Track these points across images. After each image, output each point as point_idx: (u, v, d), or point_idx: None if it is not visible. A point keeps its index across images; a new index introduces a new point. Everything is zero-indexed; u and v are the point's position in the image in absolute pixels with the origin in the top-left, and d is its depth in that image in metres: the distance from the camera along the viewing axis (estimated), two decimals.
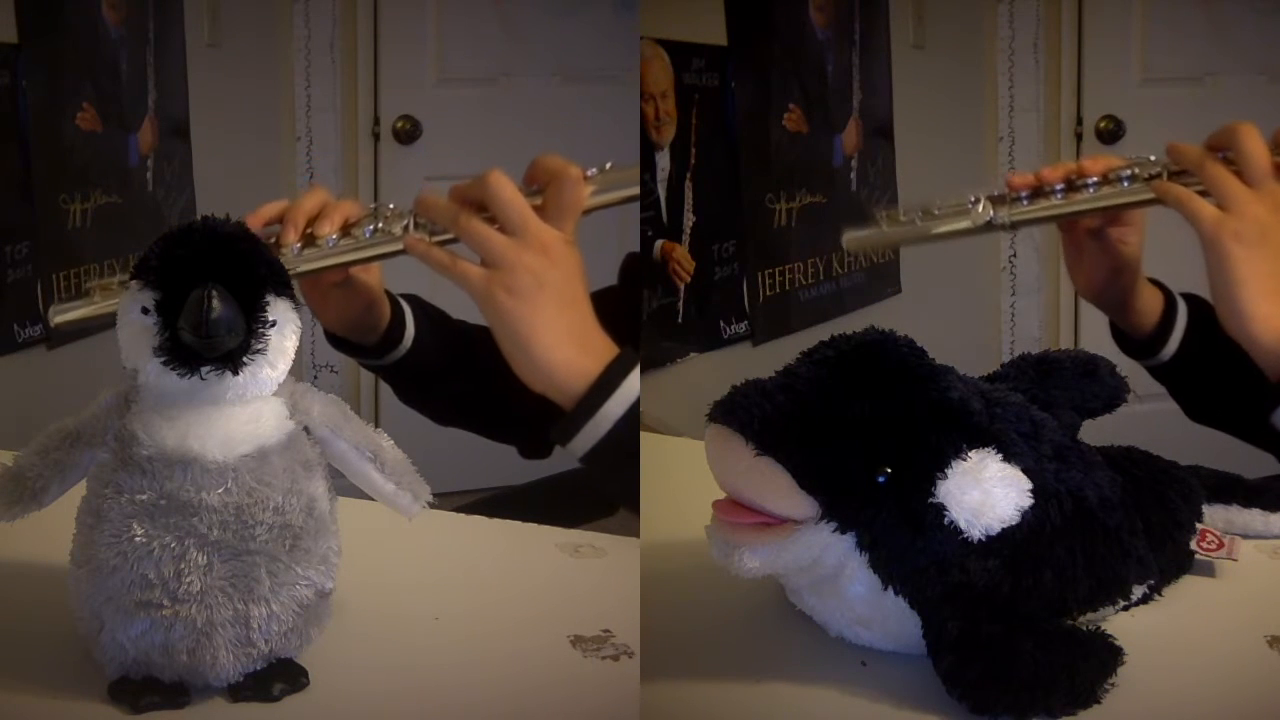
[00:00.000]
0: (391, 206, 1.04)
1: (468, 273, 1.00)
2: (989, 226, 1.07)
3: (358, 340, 1.15)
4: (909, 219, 1.09)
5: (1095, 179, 1.05)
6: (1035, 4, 2.88)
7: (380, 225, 1.02)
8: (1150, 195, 1.04)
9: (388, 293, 1.14)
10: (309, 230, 1.02)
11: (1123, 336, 1.20)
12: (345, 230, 1.03)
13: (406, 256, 1.03)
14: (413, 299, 1.19)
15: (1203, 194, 1.01)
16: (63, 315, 1.03)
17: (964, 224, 1.07)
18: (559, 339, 0.98)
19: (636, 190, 1.05)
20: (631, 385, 0.98)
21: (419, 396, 1.24)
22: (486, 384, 1.21)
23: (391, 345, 1.16)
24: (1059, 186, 1.05)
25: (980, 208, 1.06)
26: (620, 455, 0.98)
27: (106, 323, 0.77)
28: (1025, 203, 1.06)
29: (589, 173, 1.03)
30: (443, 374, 1.20)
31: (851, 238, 1.12)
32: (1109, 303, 1.17)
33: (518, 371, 1.00)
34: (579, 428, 0.98)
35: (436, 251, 1.01)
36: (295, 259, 1.01)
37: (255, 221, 1.01)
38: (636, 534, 0.95)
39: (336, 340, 1.15)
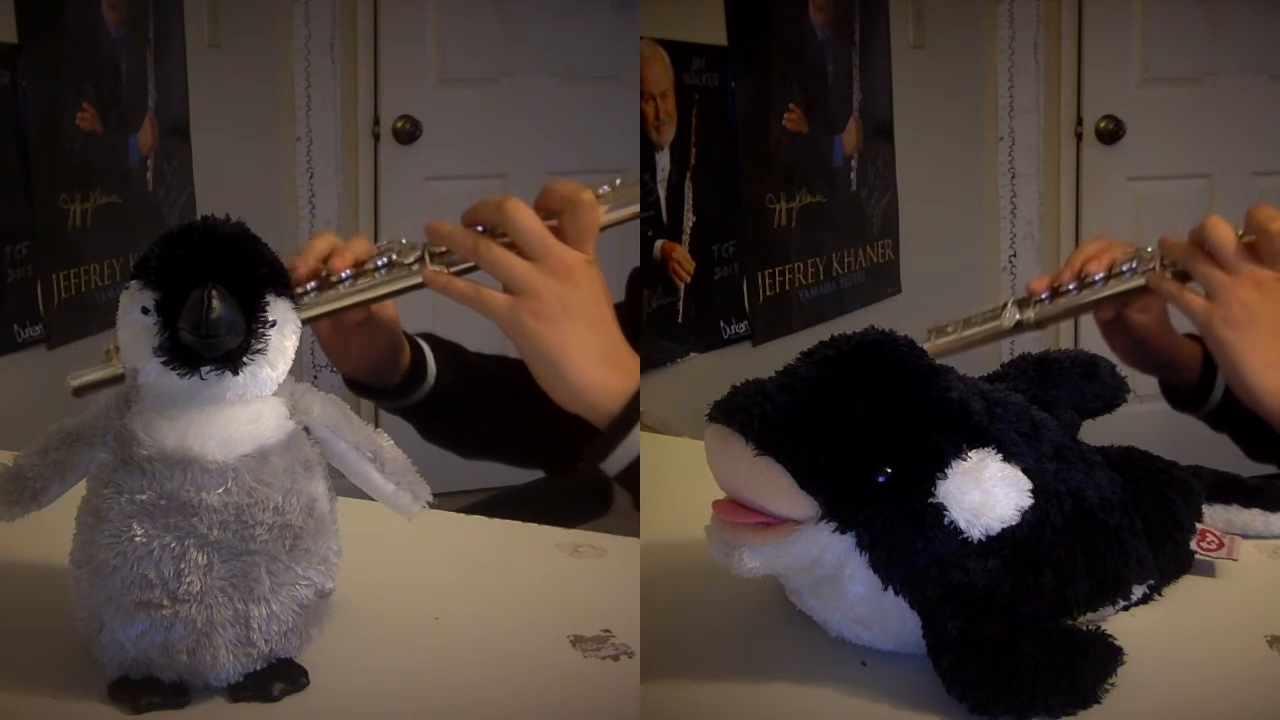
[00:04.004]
0: (404, 240, 1.04)
1: (493, 301, 1.00)
2: (1018, 327, 1.20)
3: (380, 384, 1.15)
4: (954, 331, 1.24)
5: (1101, 274, 1.15)
6: (1035, 4, 2.87)
7: (394, 258, 1.02)
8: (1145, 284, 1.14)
9: (405, 333, 1.14)
10: (324, 271, 1.02)
11: (1172, 392, 1.25)
12: (359, 268, 1.03)
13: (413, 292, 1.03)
14: (429, 337, 1.19)
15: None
16: (81, 380, 1.04)
17: (997, 327, 1.21)
18: (590, 360, 0.99)
19: (637, 207, 1.06)
20: None
21: (444, 433, 1.23)
22: (509, 413, 1.22)
23: (415, 384, 1.16)
24: (1072, 285, 1.17)
25: (1008, 311, 1.19)
26: None
27: (107, 321, 0.76)
28: (1047, 302, 1.18)
29: (600, 191, 1.03)
30: (466, 408, 1.20)
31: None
32: (1150, 366, 1.23)
33: (551, 394, 1.00)
34: (614, 446, 0.98)
35: (458, 283, 1.01)
36: (314, 301, 1.02)
37: None
38: (636, 534, 0.95)
39: (358, 386, 1.15)
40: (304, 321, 1.02)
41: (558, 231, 1.01)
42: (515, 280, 0.99)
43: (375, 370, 1.13)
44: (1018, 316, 1.18)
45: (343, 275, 1.02)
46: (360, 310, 1.06)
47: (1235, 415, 1.21)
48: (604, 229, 1.03)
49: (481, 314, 1.00)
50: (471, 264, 1.02)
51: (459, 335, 1.24)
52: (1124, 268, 1.15)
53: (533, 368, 1.00)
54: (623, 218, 1.04)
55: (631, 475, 0.99)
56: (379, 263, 1.03)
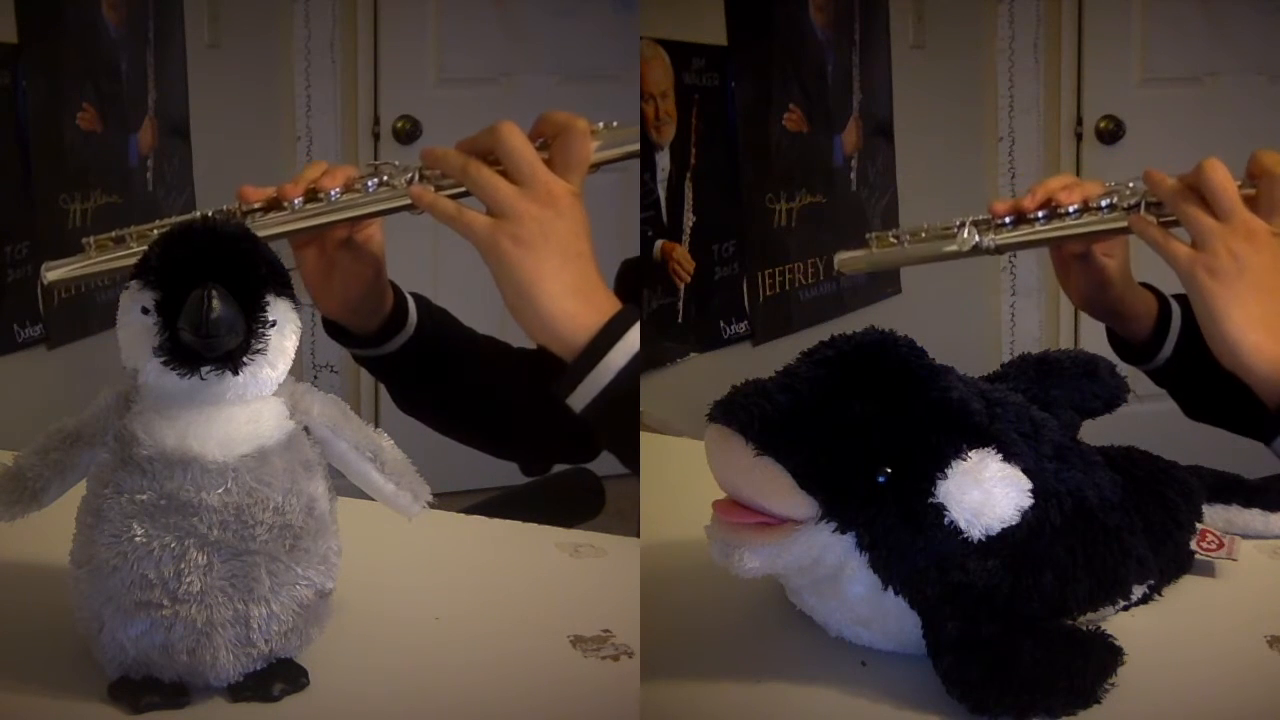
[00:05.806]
0: (396, 163, 1.04)
1: (473, 222, 0.99)
2: (975, 250, 1.12)
3: (359, 328, 1.14)
4: (898, 242, 1.15)
5: (1075, 205, 1.09)
6: (1035, 4, 2.88)
7: (385, 179, 1.03)
8: (1126, 224, 1.08)
9: (392, 283, 1.14)
10: (311, 188, 1.02)
11: (1120, 342, 1.21)
12: (348, 187, 1.03)
13: (409, 239, 1.02)
14: (417, 295, 1.18)
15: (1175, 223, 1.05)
16: (55, 272, 1.03)
17: (951, 248, 1.13)
18: (563, 290, 0.98)
19: (637, 146, 1.06)
20: (632, 339, 0.98)
21: (418, 395, 1.22)
22: (489, 392, 1.21)
23: (394, 331, 1.15)
24: (1041, 214, 1.10)
25: (966, 232, 1.12)
26: (621, 409, 0.97)
27: (107, 321, 0.77)
28: (1009, 227, 1.11)
29: (595, 126, 1.03)
30: (444, 373, 1.19)
31: (843, 259, 1.17)
32: (1102, 312, 1.19)
33: (519, 321, 1.00)
34: (580, 380, 0.97)
35: (442, 201, 1.01)
36: (298, 213, 1.01)
37: (254, 193, 1.01)
38: (636, 534, 0.95)
39: (336, 330, 1.14)
40: (289, 234, 1.01)
41: (549, 163, 1.01)
42: (498, 202, 0.99)
43: (355, 309, 1.12)
44: (976, 238, 1.11)
45: (331, 193, 1.02)
46: (343, 228, 1.06)
47: (1183, 373, 1.18)
48: (596, 167, 1.03)
49: (461, 234, 1.00)
50: (463, 189, 1.01)
51: (464, 316, 1.24)
52: (1101, 203, 1.08)
53: (504, 293, 0.99)
54: (614, 157, 1.04)
55: (600, 412, 0.98)
56: (370, 184, 1.03)
